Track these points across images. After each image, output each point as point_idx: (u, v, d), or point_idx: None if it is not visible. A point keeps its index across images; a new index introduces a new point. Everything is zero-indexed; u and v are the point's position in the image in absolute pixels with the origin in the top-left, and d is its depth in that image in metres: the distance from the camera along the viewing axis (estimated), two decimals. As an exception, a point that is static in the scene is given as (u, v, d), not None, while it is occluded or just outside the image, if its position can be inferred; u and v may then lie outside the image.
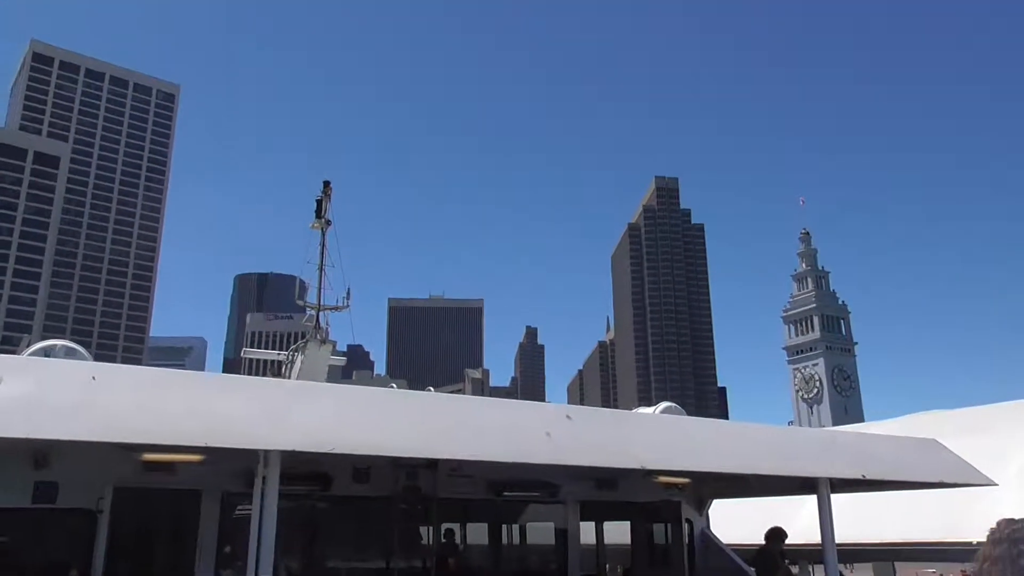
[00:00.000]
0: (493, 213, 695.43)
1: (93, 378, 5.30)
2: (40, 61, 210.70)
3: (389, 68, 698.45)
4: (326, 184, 18.22)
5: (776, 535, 11.14)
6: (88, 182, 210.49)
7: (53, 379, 5.46)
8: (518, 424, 6.70)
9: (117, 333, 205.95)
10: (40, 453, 7.24)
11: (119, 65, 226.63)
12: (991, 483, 8.50)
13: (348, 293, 18.29)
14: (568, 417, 6.80)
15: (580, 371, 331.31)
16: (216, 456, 6.80)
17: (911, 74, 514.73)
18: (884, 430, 13.12)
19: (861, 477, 7.73)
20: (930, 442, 9.03)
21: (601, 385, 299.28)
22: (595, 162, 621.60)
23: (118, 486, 7.73)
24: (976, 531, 12.01)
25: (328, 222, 17.79)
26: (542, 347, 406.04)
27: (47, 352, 8.82)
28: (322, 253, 17.40)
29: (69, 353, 8.87)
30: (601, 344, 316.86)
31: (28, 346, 9.94)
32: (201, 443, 5.06)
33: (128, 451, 6.64)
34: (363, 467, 8.97)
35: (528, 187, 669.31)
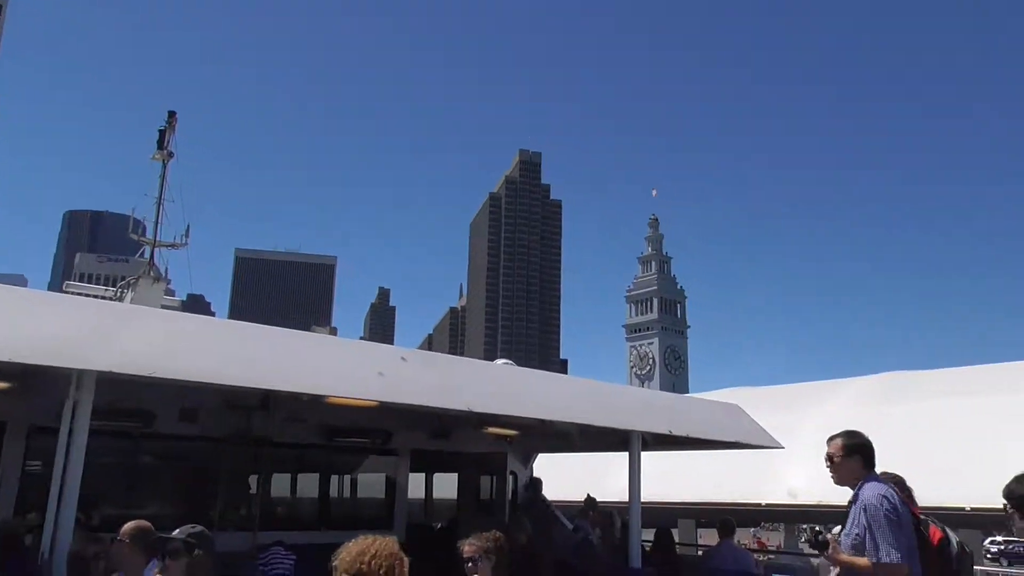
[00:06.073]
0: (353, 170, 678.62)
1: None
2: None
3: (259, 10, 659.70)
4: (171, 114, 17.18)
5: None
6: None
7: None
8: (351, 362, 6.74)
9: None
10: None
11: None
12: (779, 446, 9.46)
13: (187, 231, 17.43)
14: (403, 359, 6.92)
15: (430, 335, 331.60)
16: (25, 381, 6.39)
17: (770, 74, 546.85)
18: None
19: (668, 432, 8.35)
20: (733, 407, 9.91)
21: (450, 350, 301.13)
22: (462, 130, 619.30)
23: None
24: (765, 496, 13.30)
25: (171, 154, 16.82)
26: (393, 309, 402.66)
27: None
28: (162, 186, 16.45)
29: None
30: (453, 310, 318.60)
31: None
32: (5, 358, 4.74)
33: None
34: (191, 405, 8.67)
35: (390, 149, 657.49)
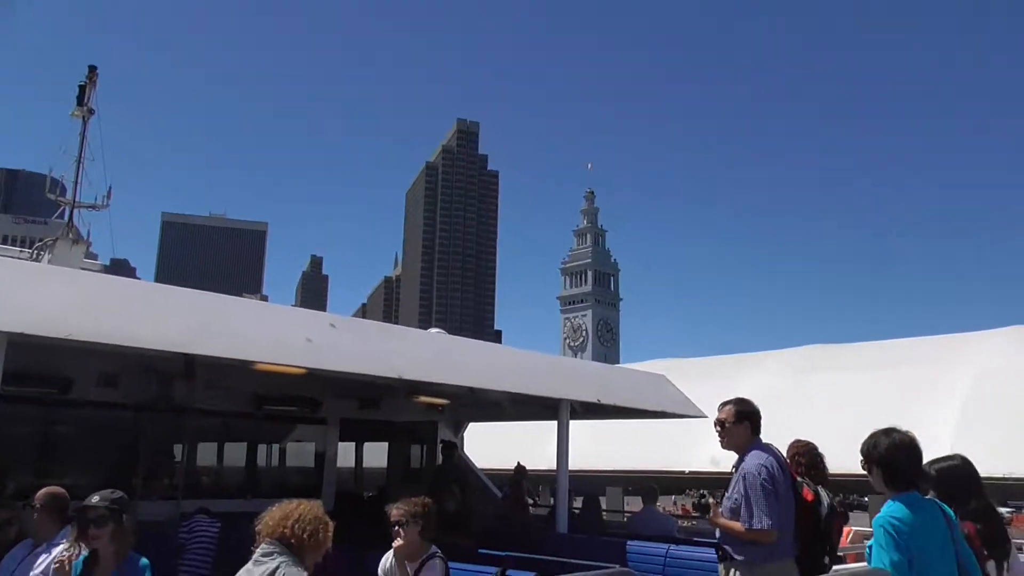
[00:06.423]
0: (285, 134, 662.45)
1: None
2: None
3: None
4: (91, 69, 16.42)
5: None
6: None
7: None
8: (279, 328, 6.61)
9: None
10: None
11: None
12: (703, 415, 9.73)
13: (109, 192, 16.78)
14: (332, 325, 6.83)
15: (364, 305, 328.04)
16: None
17: (708, 52, 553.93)
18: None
19: (597, 401, 8.51)
20: (659, 377, 10.15)
21: (384, 320, 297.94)
22: (399, 98, 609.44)
23: None
24: (689, 464, 13.76)
25: (91, 111, 16.10)
26: (326, 277, 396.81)
27: None
28: (82, 144, 15.76)
29: None
30: (387, 279, 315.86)
31: None
32: None
33: None
34: (111, 371, 8.41)
35: (325, 114, 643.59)
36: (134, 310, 5.70)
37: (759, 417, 5.19)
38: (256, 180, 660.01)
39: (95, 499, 4.17)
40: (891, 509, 3.67)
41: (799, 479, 5.42)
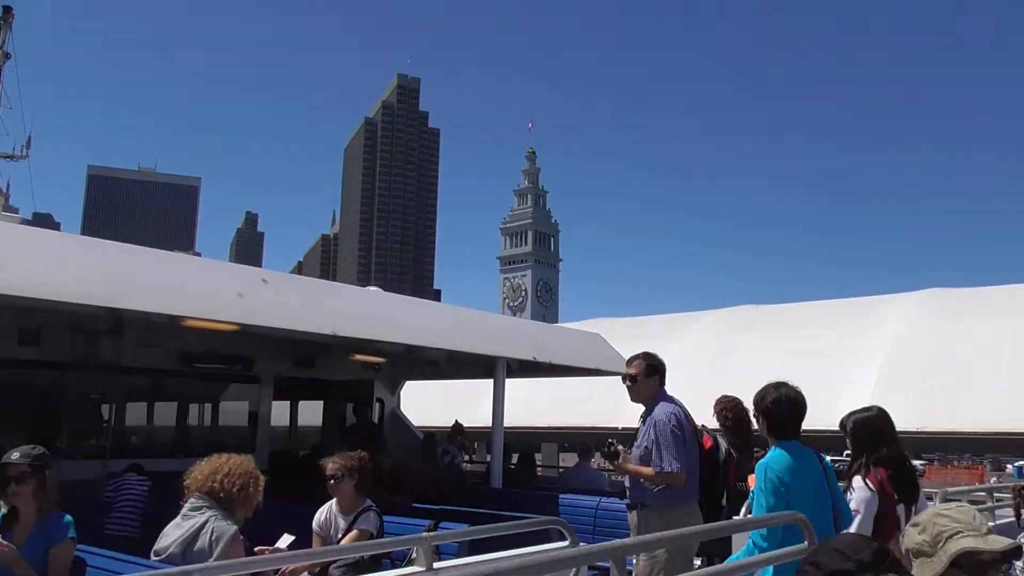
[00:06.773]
0: (218, 84, 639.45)
1: None
2: None
3: None
4: (6, 10, 15.42)
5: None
6: None
7: None
8: (209, 283, 6.45)
9: None
10: None
11: None
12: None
13: (29, 141, 16.02)
14: (264, 281, 6.70)
15: (300, 263, 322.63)
16: None
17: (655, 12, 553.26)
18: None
19: (533, 359, 8.61)
20: (594, 335, 10.30)
21: (321, 278, 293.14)
22: (337, 51, 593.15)
23: None
24: (622, 420, 13.99)
25: (7, 55, 15.18)
26: (262, 235, 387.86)
27: None
28: (-3, 90, 14.92)
29: None
30: (324, 237, 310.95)
31: None
32: None
33: None
34: (32, 326, 8.10)
35: (259, 65, 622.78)
36: (55, 263, 5.48)
37: (665, 370, 5.42)
38: (188, 133, 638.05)
39: (15, 455, 4.06)
40: (771, 456, 4.01)
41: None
